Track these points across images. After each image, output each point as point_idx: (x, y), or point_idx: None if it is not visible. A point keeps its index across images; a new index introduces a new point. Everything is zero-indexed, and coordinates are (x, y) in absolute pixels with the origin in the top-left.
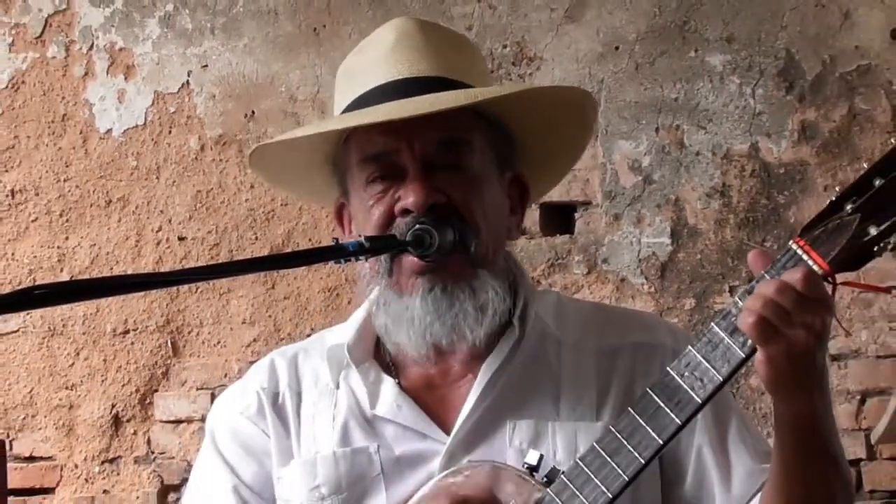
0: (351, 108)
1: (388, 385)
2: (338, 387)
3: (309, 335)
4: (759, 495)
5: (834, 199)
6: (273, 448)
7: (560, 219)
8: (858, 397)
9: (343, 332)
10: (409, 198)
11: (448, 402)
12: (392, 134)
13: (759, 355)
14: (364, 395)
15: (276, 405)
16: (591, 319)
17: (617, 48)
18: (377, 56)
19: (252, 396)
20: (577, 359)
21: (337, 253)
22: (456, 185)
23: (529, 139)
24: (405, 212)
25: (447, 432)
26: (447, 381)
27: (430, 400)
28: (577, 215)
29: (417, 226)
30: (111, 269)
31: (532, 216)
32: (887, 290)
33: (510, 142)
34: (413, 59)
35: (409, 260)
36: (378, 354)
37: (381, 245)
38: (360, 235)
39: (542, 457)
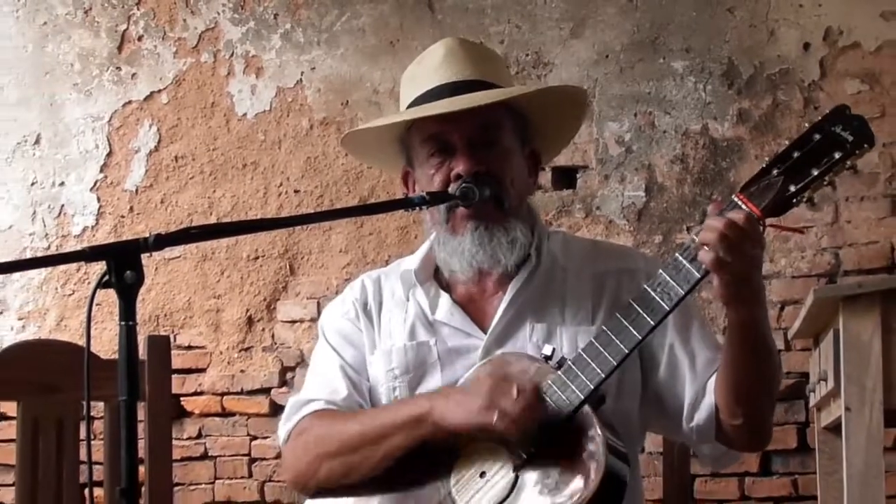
0: (415, 103)
1: (444, 298)
2: (408, 299)
3: (387, 261)
4: (714, 376)
5: (765, 165)
6: (364, 340)
7: (566, 178)
8: (779, 306)
9: (412, 261)
10: (459, 166)
11: (485, 311)
12: (446, 121)
13: (713, 277)
14: (427, 305)
15: (365, 311)
16: (588, 251)
17: (607, 56)
18: (432, 65)
19: (349, 305)
20: (577, 281)
21: (406, 204)
22: (492, 158)
23: (543, 122)
24: (458, 176)
25: (485, 332)
26: (485, 296)
27: (473, 309)
28: (578, 175)
29: (464, 185)
30: (246, 214)
31: (546, 176)
32: (801, 231)
33: (528, 124)
34: (458, 68)
35: (461, 212)
36: (436, 277)
37: (438, 198)
38: (423, 192)
39: (554, 349)
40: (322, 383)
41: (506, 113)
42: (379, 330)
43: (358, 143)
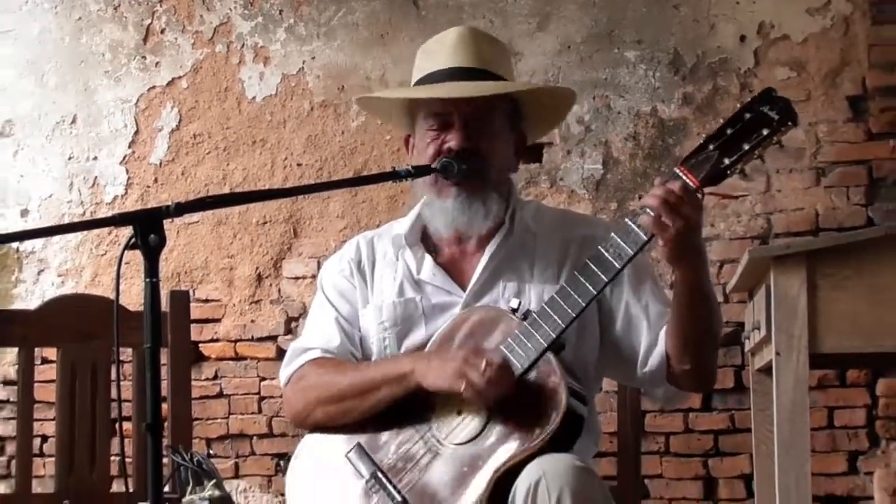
0: (424, 80)
1: (429, 260)
2: (397, 259)
3: (378, 225)
4: (665, 327)
5: (702, 141)
6: (358, 295)
7: (533, 153)
8: (718, 264)
9: (402, 225)
10: (452, 141)
11: (464, 271)
12: (449, 102)
13: (658, 239)
14: (413, 266)
15: (359, 269)
16: (556, 219)
17: (569, 47)
18: (445, 47)
19: (346, 263)
20: (545, 245)
21: (394, 176)
22: (482, 138)
23: (532, 111)
24: (449, 150)
25: (464, 290)
26: (464, 258)
27: (454, 270)
28: (544, 151)
29: (444, 160)
30: (255, 184)
31: None
32: (734, 197)
33: (518, 112)
34: (466, 55)
35: (449, 180)
36: (424, 239)
37: (421, 172)
38: (408, 165)
39: (520, 303)
40: (319, 333)
41: (500, 101)
42: (371, 286)
43: (371, 105)
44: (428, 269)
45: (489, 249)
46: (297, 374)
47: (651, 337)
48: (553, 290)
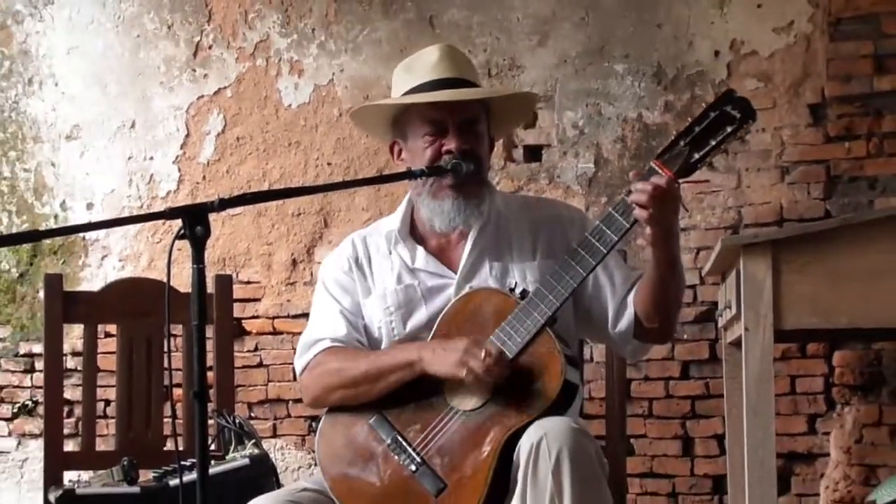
0: (411, 91)
1: (420, 250)
2: (390, 253)
3: None
4: (632, 291)
5: (673, 138)
6: (358, 287)
7: (534, 154)
8: (695, 251)
9: (393, 221)
10: (451, 144)
11: (453, 257)
12: (443, 108)
13: (643, 226)
14: (407, 257)
15: (357, 264)
16: (525, 205)
17: (565, 61)
18: (430, 62)
19: (344, 260)
20: (518, 228)
21: (411, 175)
22: (473, 141)
23: (502, 111)
24: (448, 152)
25: (455, 273)
26: (450, 246)
27: (444, 257)
28: (543, 152)
29: (454, 161)
30: (290, 182)
31: (519, 152)
32: (710, 192)
33: (491, 116)
34: (450, 68)
35: (444, 181)
36: (413, 233)
37: (435, 171)
38: (422, 167)
39: (516, 283)
40: (326, 325)
41: (481, 107)
42: (372, 278)
43: (363, 116)
44: (421, 258)
45: (471, 236)
46: (313, 362)
47: (618, 300)
48: (532, 267)
